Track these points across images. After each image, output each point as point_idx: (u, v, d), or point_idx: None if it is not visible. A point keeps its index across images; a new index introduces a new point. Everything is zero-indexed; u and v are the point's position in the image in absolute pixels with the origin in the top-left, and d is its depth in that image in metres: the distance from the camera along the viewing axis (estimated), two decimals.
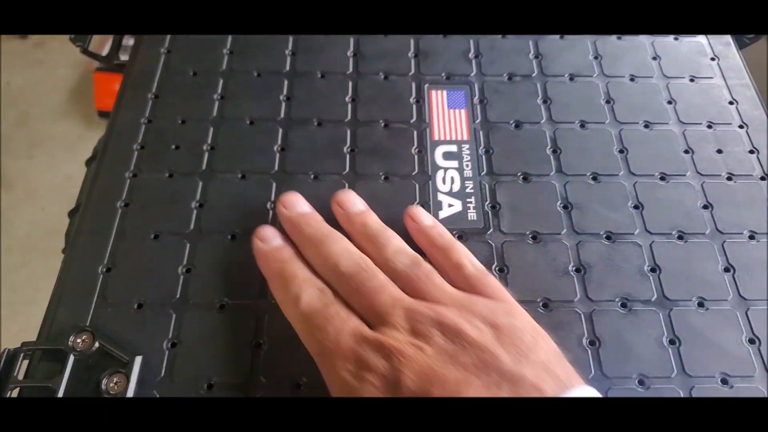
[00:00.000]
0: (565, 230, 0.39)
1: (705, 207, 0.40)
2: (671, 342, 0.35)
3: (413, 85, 0.46)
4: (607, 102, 0.45)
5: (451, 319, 0.30)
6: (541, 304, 0.36)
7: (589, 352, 0.34)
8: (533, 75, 0.47)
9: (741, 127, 0.44)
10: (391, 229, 0.36)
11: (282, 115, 0.44)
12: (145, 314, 0.35)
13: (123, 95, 0.44)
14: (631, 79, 0.47)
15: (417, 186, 0.40)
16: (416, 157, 0.42)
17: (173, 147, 0.42)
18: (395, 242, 0.34)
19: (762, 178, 0.42)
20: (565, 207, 0.40)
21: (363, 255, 0.33)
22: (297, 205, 0.37)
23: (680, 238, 0.39)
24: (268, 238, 0.36)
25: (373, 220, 0.36)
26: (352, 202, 0.37)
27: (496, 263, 0.37)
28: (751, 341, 0.35)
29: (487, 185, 0.41)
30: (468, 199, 0.40)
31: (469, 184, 0.41)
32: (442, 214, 0.39)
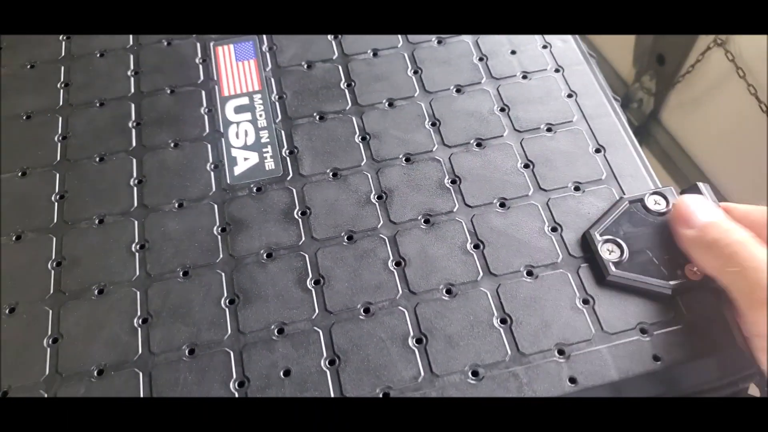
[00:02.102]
0: (365, 161, 0.38)
1: (502, 110, 0.40)
2: (475, 246, 0.35)
3: (198, 45, 0.44)
4: None
5: None
6: (345, 237, 0.35)
7: (395, 273, 0.34)
8: None
9: None
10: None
11: (61, 103, 0.41)
12: None
13: None
14: None
15: (209, 146, 0.39)
16: (206, 117, 0.40)
17: None
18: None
19: (556, 71, 0.42)
20: (363, 138, 0.39)
21: None
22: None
23: (479, 145, 0.38)
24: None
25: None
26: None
27: (297, 208, 0.36)
28: (554, 229, 0.35)
29: (283, 131, 0.39)
30: (264, 149, 0.39)
31: (264, 134, 0.39)
32: (238, 169, 0.38)
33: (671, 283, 0.33)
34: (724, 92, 0.99)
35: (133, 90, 0.41)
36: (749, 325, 0.30)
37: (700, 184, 0.36)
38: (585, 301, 0.33)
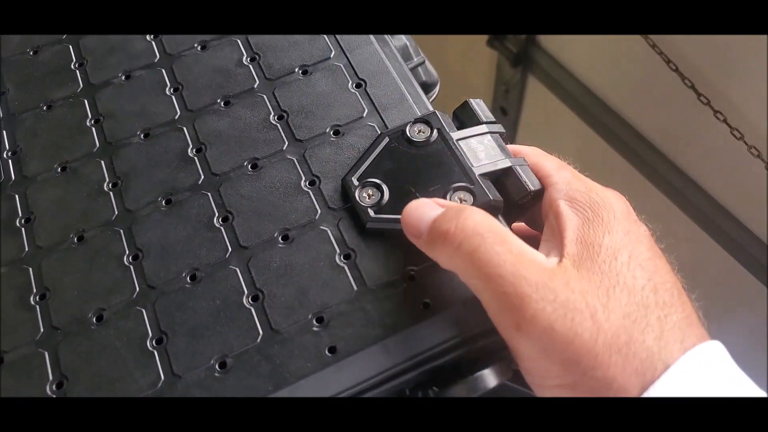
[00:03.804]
0: (97, 146, 0.33)
1: (252, 59, 0.35)
2: (224, 220, 0.30)
3: None
4: None
5: None
6: (75, 239, 0.30)
7: (132, 268, 0.29)
8: None
9: None
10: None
11: None
12: None
13: None
14: None
15: None
16: None
17: None
18: None
19: None
20: (96, 121, 0.34)
21: None
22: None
23: (227, 104, 0.34)
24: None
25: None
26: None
27: (20, 215, 0.31)
28: (311, 183, 0.31)
29: (4, 131, 0.34)
30: None
31: None
32: None
33: None
34: None
35: None
36: (506, 343, 0.26)
37: (472, 101, 0.32)
38: (346, 257, 0.29)
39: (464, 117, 0.33)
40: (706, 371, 0.24)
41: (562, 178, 0.30)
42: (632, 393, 0.23)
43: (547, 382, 0.25)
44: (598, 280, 0.25)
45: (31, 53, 0.37)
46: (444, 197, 0.29)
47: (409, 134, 0.31)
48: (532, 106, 1.17)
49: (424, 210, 0.28)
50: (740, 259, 0.85)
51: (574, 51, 1.03)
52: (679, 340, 0.24)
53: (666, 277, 0.26)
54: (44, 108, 0.35)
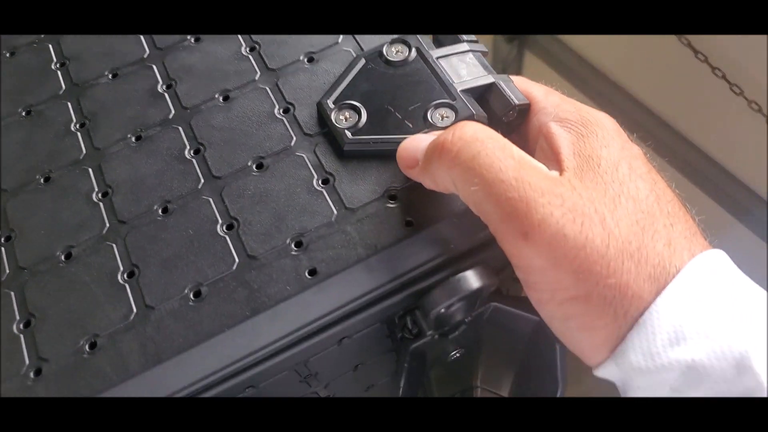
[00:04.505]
0: (63, 89, 0.32)
1: None
2: (195, 152, 0.29)
3: None
4: None
5: None
6: (41, 179, 0.29)
7: (102, 205, 0.28)
8: None
9: None
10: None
11: None
12: None
13: None
14: None
15: None
16: None
17: None
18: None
19: None
20: (62, 65, 0.33)
21: None
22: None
23: (197, 40, 0.32)
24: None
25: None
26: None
27: None
28: (285, 111, 0.30)
29: None
30: None
31: None
32: None
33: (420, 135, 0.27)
34: None
35: None
36: (509, 258, 0.24)
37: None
38: (325, 181, 0.28)
39: (444, 39, 0.31)
40: (715, 274, 0.23)
41: (551, 102, 0.28)
42: (647, 299, 0.22)
43: (558, 295, 0.23)
44: (602, 189, 0.24)
45: None
46: (425, 116, 0.28)
47: (386, 54, 0.30)
48: None
49: (419, 138, 0.26)
50: (743, 220, 0.83)
51: None
52: (687, 247, 0.23)
53: (666, 190, 0.25)
54: (7, 54, 0.33)
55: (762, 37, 0.69)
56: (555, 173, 0.24)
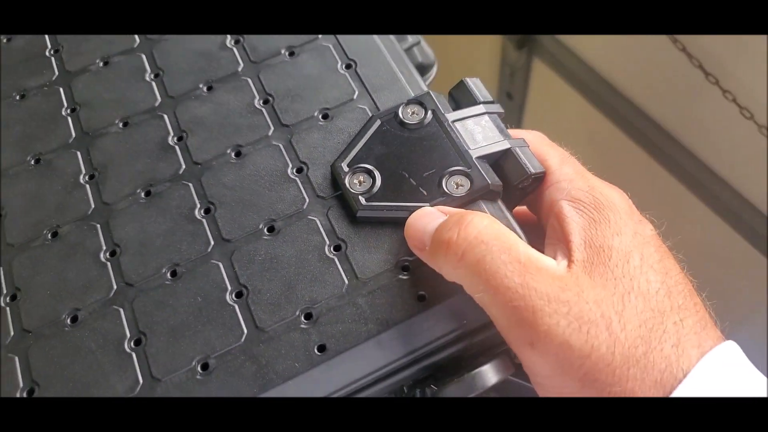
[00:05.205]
0: (73, 137, 0.31)
1: (237, 42, 0.33)
2: (206, 211, 0.29)
3: None
4: None
5: None
6: (49, 235, 0.29)
7: (109, 264, 0.28)
8: None
9: None
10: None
11: None
12: None
13: None
14: None
15: None
16: None
17: None
18: None
19: None
20: (72, 110, 0.32)
21: None
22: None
23: (209, 89, 0.32)
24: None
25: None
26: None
27: None
28: (299, 170, 0.29)
29: None
30: None
31: None
32: None
33: (433, 203, 0.27)
34: None
35: None
36: (524, 366, 0.24)
37: (468, 80, 0.30)
38: (337, 248, 0.27)
39: (460, 97, 0.31)
40: (722, 375, 0.22)
41: (565, 176, 0.28)
42: None
43: (564, 395, 0.23)
44: (612, 287, 0.23)
45: (5, 40, 0.35)
46: (439, 183, 0.27)
47: (401, 116, 0.29)
48: (538, 90, 1.15)
49: (426, 220, 0.26)
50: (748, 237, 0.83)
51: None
52: (696, 344, 0.23)
53: (678, 279, 0.25)
54: (17, 97, 0.33)
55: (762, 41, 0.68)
56: (563, 264, 0.24)
